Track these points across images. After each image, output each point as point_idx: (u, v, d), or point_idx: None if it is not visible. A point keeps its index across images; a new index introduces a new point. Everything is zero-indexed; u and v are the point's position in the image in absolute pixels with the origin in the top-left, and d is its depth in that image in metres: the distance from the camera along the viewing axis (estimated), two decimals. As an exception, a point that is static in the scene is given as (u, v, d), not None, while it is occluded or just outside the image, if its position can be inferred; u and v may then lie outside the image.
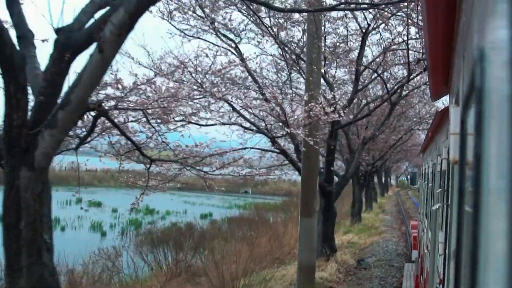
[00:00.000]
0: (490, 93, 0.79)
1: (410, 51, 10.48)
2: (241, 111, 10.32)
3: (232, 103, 9.71)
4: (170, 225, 21.31)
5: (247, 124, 10.71)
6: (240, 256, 10.27)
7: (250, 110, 9.92)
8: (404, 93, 13.98)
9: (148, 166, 7.44)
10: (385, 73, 13.53)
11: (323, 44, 10.80)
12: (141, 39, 11.43)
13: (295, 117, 9.62)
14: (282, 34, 11.08)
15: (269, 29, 10.19)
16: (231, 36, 10.51)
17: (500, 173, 0.69)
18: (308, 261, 9.59)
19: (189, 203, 37.85)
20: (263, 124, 10.63)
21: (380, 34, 11.86)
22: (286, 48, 11.15)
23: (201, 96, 9.02)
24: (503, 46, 0.69)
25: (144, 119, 7.26)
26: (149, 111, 7.15)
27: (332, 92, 11.49)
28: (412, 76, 11.12)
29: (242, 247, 12.63)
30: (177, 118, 8.47)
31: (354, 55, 12.51)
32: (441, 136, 5.13)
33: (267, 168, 13.69)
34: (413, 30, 10.26)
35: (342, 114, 9.99)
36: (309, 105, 8.81)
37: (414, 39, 10.68)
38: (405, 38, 10.26)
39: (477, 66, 0.89)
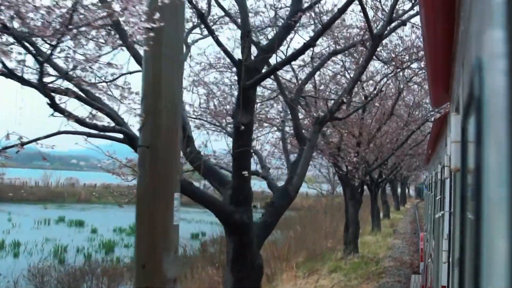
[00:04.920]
0: (489, 101, 0.80)
1: None
2: None
3: None
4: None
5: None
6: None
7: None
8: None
9: None
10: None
11: None
12: None
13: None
14: None
15: None
16: None
17: (500, 181, 0.70)
18: None
19: (185, 221, 34.37)
20: None
21: None
22: None
23: None
24: (501, 55, 0.70)
25: None
26: None
27: None
28: None
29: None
30: None
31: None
32: (441, 144, 5.14)
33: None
34: None
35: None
36: None
37: None
38: None
39: (475, 74, 0.90)
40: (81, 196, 45.81)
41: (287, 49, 9.25)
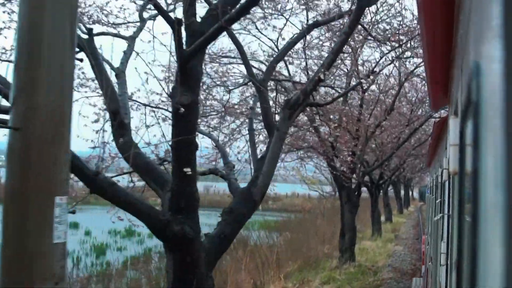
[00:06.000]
0: (486, 105, 0.81)
1: None
2: None
3: None
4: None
5: None
6: None
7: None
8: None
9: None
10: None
11: None
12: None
13: None
14: None
15: None
16: None
17: (497, 184, 0.71)
18: None
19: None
20: None
21: None
22: None
23: None
24: (499, 59, 0.71)
25: None
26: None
27: None
28: None
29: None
30: None
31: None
32: (442, 146, 5.15)
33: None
34: None
35: None
36: None
37: None
38: None
39: (473, 78, 0.90)
40: (78, 198, 45.59)
41: (278, 39, 8.67)
